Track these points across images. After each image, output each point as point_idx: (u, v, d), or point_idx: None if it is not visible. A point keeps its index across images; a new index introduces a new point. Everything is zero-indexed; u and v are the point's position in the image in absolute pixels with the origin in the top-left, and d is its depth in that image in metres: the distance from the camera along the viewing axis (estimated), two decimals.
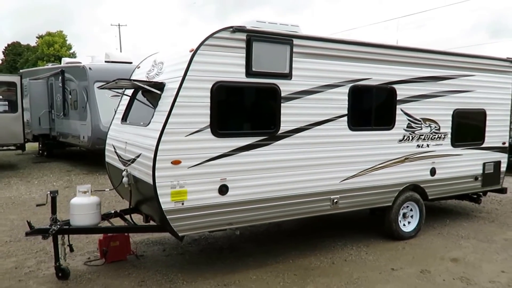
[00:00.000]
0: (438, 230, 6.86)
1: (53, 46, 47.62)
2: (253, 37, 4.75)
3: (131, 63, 12.93)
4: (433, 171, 6.55)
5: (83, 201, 5.06)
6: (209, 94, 4.56)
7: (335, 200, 5.58)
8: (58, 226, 4.85)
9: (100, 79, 11.02)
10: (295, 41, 5.06)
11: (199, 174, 4.60)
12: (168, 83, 4.73)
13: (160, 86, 4.81)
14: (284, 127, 5.08)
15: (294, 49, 5.06)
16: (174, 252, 5.92)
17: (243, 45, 4.72)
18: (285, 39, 4.99)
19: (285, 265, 5.41)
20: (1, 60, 54.54)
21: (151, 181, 4.40)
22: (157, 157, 4.36)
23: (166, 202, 4.44)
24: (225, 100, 4.76)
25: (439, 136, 6.58)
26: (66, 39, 50.58)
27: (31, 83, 15.39)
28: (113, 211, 5.66)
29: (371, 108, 5.90)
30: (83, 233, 5.41)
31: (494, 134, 7.34)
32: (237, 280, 4.94)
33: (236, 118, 4.98)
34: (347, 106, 5.56)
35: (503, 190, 7.69)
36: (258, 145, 4.94)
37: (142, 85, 4.84)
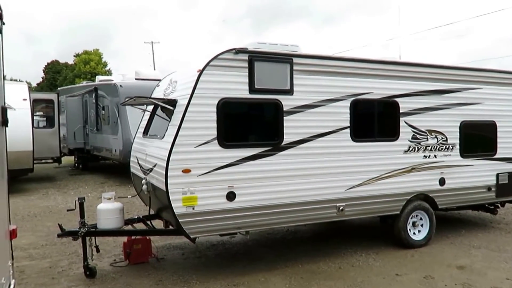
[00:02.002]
0: (451, 240, 6.81)
1: (89, 64, 49.14)
2: (255, 57, 5.12)
3: (159, 80, 13.59)
4: (442, 181, 6.56)
5: (108, 207, 5.54)
6: (215, 109, 4.94)
7: (341, 208, 5.74)
8: (86, 229, 5.32)
9: (130, 96, 11.71)
10: (295, 60, 5.39)
11: (208, 181, 4.94)
12: (180, 100, 5.16)
13: (173, 102, 5.25)
14: (287, 138, 5.36)
15: (295, 67, 5.38)
16: (192, 256, 6.25)
17: (246, 64, 5.09)
18: (285, 58, 5.33)
19: (294, 269, 5.60)
20: (42, 78, 57.33)
21: (164, 188, 4.80)
22: (169, 166, 4.76)
23: (178, 207, 4.81)
24: (231, 115, 5.12)
25: (447, 147, 6.61)
26: (102, 56, 52.36)
27: (67, 100, 16.37)
28: (136, 217, 6.10)
29: (374, 120, 6.07)
30: (108, 235, 5.84)
31: (507, 145, 7.24)
32: (246, 281, 5.19)
33: (241, 130, 5.33)
34: (349, 118, 5.78)
35: None
36: (263, 155, 5.24)
37: (157, 102, 5.31)
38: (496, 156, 7.15)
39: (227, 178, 5.04)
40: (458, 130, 6.72)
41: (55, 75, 54.39)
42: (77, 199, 5.51)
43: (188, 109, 4.84)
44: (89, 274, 5.40)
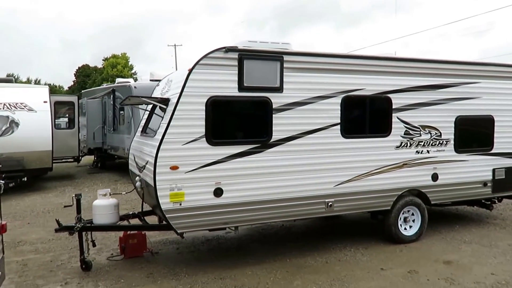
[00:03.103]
0: (443, 235, 6.73)
1: (116, 67, 50.27)
2: (244, 56, 5.13)
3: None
4: (435, 177, 6.49)
5: (103, 203, 5.64)
6: (204, 107, 4.98)
7: (329, 204, 5.73)
8: (82, 224, 5.45)
9: (144, 96, 11.85)
10: (285, 58, 5.38)
11: (196, 178, 5.00)
12: (172, 98, 5.21)
13: (167, 101, 5.31)
14: (276, 135, 5.37)
15: (285, 65, 5.37)
16: (186, 250, 6.32)
17: (235, 63, 5.11)
18: (275, 56, 5.33)
19: (282, 263, 5.62)
20: (73, 81, 58.62)
21: (153, 184, 4.88)
22: (157, 163, 4.83)
23: (165, 202, 4.88)
24: (219, 113, 5.15)
25: (441, 142, 6.52)
26: (128, 60, 53.38)
27: (88, 101, 16.73)
28: (131, 213, 6.21)
29: (365, 116, 6.02)
30: (103, 230, 5.95)
31: (505, 140, 7.09)
32: (233, 274, 5.23)
33: (230, 128, 5.36)
34: (339, 115, 5.74)
35: None
36: (251, 152, 5.26)
37: (150, 101, 5.39)
38: (492, 151, 7.01)
39: (214, 175, 5.08)
40: (453, 125, 6.61)
41: (85, 79, 55.81)
42: (74, 195, 5.64)
43: (177, 107, 4.89)
44: (85, 267, 5.52)
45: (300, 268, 5.41)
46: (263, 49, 5.32)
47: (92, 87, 42.50)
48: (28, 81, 60.08)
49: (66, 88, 57.44)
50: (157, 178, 4.82)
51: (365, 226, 7.30)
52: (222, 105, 5.14)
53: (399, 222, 6.32)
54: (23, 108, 12.14)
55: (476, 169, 6.83)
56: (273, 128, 5.35)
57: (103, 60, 54.92)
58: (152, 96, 6.50)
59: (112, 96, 15.36)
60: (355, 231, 7.06)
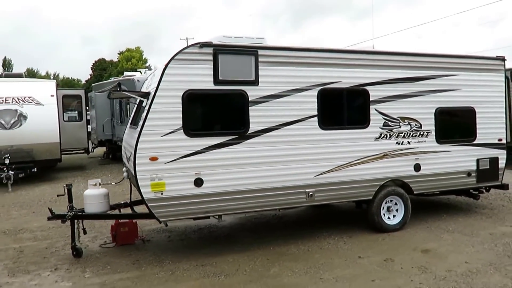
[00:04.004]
0: (428, 224, 6.67)
1: (131, 61, 50.77)
2: (219, 51, 5.17)
3: None
4: (417, 167, 6.43)
5: (93, 192, 5.76)
6: (180, 100, 5.04)
7: (310, 194, 5.73)
8: (73, 213, 5.58)
9: (125, 91, 11.94)
10: (260, 52, 5.39)
11: (175, 168, 5.07)
12: (152, 92, 5.28)
13: (147, 95, 5.38)
14: (253, 127, 5.40)
15: (260, 59, 5.39)
16: (177, 238, 6.42)
17: (210, 58, 5.15)
18: (249, 51, 5.34)
19: (265, 251, 5.66)
20: (90, 75, 59.42)
21: (134, 174, 4.96)
22: (137, 154, 4.92)
23: (147, 192, 4.97)
24: (196, 105, 5.22)
25: (421, 133, 6.45)
26: (142, 54, 53.80)
27: (96, 95, 16.96)
28: (123, 202, 6.32)
29: (343, 108, 6.01)
30: (93, 218, 6.08)
31: (488, 131, 6.99)
32: (215, 262, 5.30)
33: (207, 120, 5.42)
34: (316, 107, 5.73)
35: (504, 186, 7.25)
36: (229, 144, 5.30)
37: (131, 95, 5.46)
38: (476, 142, 6.91)
39: (194, 165, 5.14)
40: (433, 116, 6.53)
41: (102, 72, 56.43)
42: (65, 185, 5.77)
43: (154, 100, 4.96)
44: (76, 254, 5.66)
45: (281, 256, 5.45)
46: (237, 44, 5.34)
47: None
48: (47, 75, 61.18)
49: (83, 81, 58.19)
50: (137, 168, 4.91)
51: (354, 215, 7.28)
52: (199, 98, 5.20)
53: (382, 212, 6.29)
54: (31, 102, 12.40)
55: (459, 159, 6.75)
56: (250, 120, 5.37)
57: (118, 54, 55.46)
58: (142, 90, 6.57)
59: (118, 89, 15.51)
60: (343, 220, 7.06)
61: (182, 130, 5.06)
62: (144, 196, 4.95)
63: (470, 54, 6.96)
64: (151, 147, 4.96)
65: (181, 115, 5.05)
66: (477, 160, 6.89)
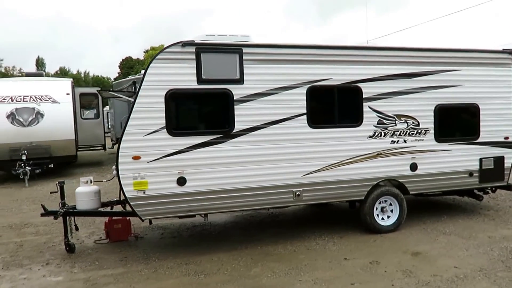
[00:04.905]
0: (425, 225, 6.44)
1: None
2: (201, 49, 5.14)
3: None
4: (413, 166, 6.21)
5: (85, 190, 5.87)
6: (163, 100, 5.05)
7: (297, 193, 5.64)
8: (65, 209, 5.71)
9: (112, 90, 12.00)
10: (245, 50, 5.32)
11: (158, 167, 5.10)
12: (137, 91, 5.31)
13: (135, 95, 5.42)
14: (239, 126, 5.35)
15: (244, 57, 5.32)
16: (169, 236, 6.48)
17: (193, 56, 5.13)
18: (233, 49, 5.28)
19: (251, 250, 5.63)
20: (118, 73, 60.81)
21: (117, 173, 5.03)
22: (120, 153, 4.98)
23: (129, 190, 5.03)
24: (179, 105, 5.21)
25: (419, 131, 6.22)
26: None
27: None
28: (115, 199, 6.41)
29: (334, 106, 5.84)
30: (84, 215, 6.17)
31: (493, 129, 6.66)
32: (199, 260, 5.31)
33: (191, 119, 5.42)
34: (305, 105, 5.62)
35: (510, 187, 6.90)
36: (214, 143, 5.28)
37: (117, 95, 5.51)
38: (479, 140, 6.60)
39: (177, 164, 5.16)
40: (432, 114, 6.28)
41: (129, 70, 57.74)
42: (57, 183, 5.92)
43: (137, 100, 5.00)
44: (69, 249, 5.80)
45: (266, 256, 5.40)
46: (220, 42, 5.28)
47: None
48: (78, 73, 63.05)
49: (112, 79, 59.64)
50: (120, 167, 4.97)
51: (351, 215, 7.11)
52: (182, 97, 5.20)
53: (375, 212, 6.12)
54: (48, 100, 12.80)
55: (460, 158, 6.47)
56: (236, 119, 5.33)
57: (144, 52, 56.45)
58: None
59: (133, 87, 15.79)
60: (339, 220, 6.93)
61: (165, 130, 5.08)
62: (126, 195, 5.01)
63: (473, 48, 6.61)
64: (134, 146, 5.00)
65: (164, 115, 5.06)
66: (480, 160, 6.58)
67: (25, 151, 12.18)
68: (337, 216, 7.31)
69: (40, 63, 60.20)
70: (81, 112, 15.78)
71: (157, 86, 5.03)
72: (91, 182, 5.95)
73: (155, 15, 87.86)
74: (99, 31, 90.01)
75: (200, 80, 5.16)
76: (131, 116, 4.98)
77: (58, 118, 12.90)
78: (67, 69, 63.94)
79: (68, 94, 13.36)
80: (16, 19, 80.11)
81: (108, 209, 6.15)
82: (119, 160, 4.97)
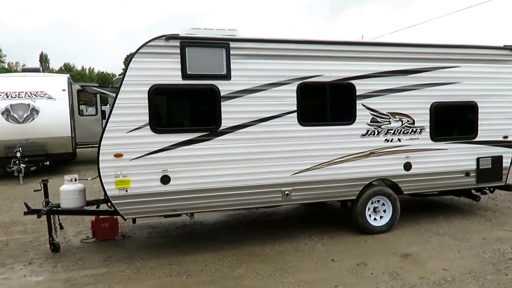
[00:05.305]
0: (419, 226, 6.29)
1: None
2: (186, 43, 5.01)
3: None
4: (408, 166, 6.06)
5: (69, 188, 5.78)
6: (146, 96, 4.93)
7: (286, 193, 5.52)
8: (48, 208, 5.63)
9: (95, 86, 11.76)
10: (232, 44, 5.19)
11: (141, 165, 4.99)
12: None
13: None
14: (225, 123, 5.23)
15: (232, 52, 5.19)
16: (157, 235, 6.38)
17: (178, 51, 5.00)
18: (220, 43, 5.15)
19: (238, 250, 5.52)
20: (122, 69, 60.94)
21: (98, 171, 4.93)
22: (100, 151, 4.87)
23: (111, 189, 4.93)
24: (163, 101, 5.10)
25: (414, 130, 6.06)
26: None
27: (112, 89, 17.31)
28: (102, 198, 6.32)
29: (326, 104, 5.70)
30: (68, 214, 6.09)
31: (491, 128, 6.49)
32: (183, 261, 5.21)
33: (175, 116, 5.30)
34: (295, 102, 5.48)
35: (508, 187, 6.73)
36: (199, 140, 5.16)
37: (101, 91, 5.41)
38: (476, 139, 6.44)
39: (160, 162, 5.04)
40: (428, 112, 6.12)
41: None
42: (40, 181, 5.84)
43: (118, 96, 4.88)
44: (53, 249, 5.72)
45: (252, 256, 5.29)
46: (206, 36, 5.15)
47: None
48: (83, 70, 63.19)
49: (117, 75, 59.84)
50: (101, 165, 4.87)
51: (344, 215, 6.98)
52: (166, 93, 5.08)
53: (368, 212, 5.99)
54: (43, 96, 12.70)
55: (457, 158, 6.31)
56: (222, 116, 5.20)
57: None
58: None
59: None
60: (332, 220, 6.78)
61: (148, 126, 4.96)
62: (108, 193, 4.91)
63: (473, 44, 6.43)
64: (116, 143, 4.90)
65: (147, 111, 4.95)
66: (477, 159, 6.42)
67: (20, 148, 12.11)
68: (331, 216, 7.18)
69: (44, 59, 60.37)
70: (79, 109, 15.74)
71: (139, 81, 4.91)
72: (75, 180, 5.86)
73: (164, 12, 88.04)
74: (104, 26, 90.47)
75: (185, 76, 5.04)
76: (113, 112, 4.87)
77: (53, 115, 12.80)
78: (72, 65, 64.13)
79: (64, 90, 13.27)
80: (23, 16, 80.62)
81: (94, 208, 6.08)
82: (100, 158, 4.87)
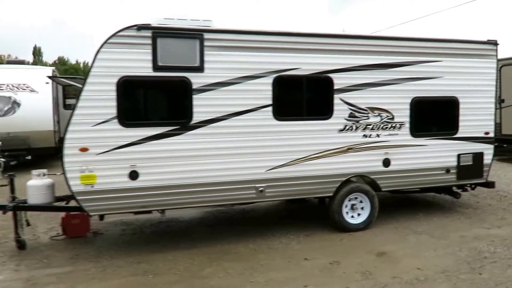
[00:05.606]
0: (398, 224, 6.19)
1: None
2: (158, 34, 4.83)
3: None
4: (386, 162, 5.94)
5: (36, 183, 5.58)
6: (115, 88, 4.74)
7: (260, 189, 5.38)
8: (14, 204, 5.43)
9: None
10: (206, 35, 5.01)
11: (108, 160, 4.81)
12: None
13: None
14: (197, 117, 5.06)
15: (205, 43, 5.01)
16: (130, 232, 6.20)
17: (149, 41, 4.81)
18: (193, 34, 4.97)
19: (210, 248, 5.36)
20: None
21: (62, 165, 4.74)
22: (65, 145, 4.69)
23: (75, 184, 4.75)
24: (133, 93, 4.93)
25: (393, 125, 5.94)
26: None
27: None
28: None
29: (302, 98, 5.56)
30: (35, 210, 5.90)
31: (473, 124, 6.39)
32: (153, 259, 5.04)
33: (145, 109, 5.12)
34: (271, 96, 5.33)
35: (489, 184, 6.64)
36: (170, 135, 4.99)
37: (69, 83, 5.21)
38: (457, 135, 6.33)
39: (129, 157, 4.87)
40: (408, 107, 6.00)
41: None
42: (7, 175, 5.63)
43: (85, 88, 4.69)
44: (19, 246, 5.52)
45: (224, 255, 5.14)
46: (179, 26, 4.97)
47: None
48: (77, 63, 62.43)
49: None
50: (65, 159, 4.69)
51: (324, 212, 6.86)
52: (136, 85, 4.90)
53: (345, 210, 5.87)
54: (25, 89, 12.40)
55: (437, 154, 6.21)
56: (194, 110, 5.03)
57: None
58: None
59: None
60: (311, 217, 6.63)
61: (116, 120, 4.78)
62: (72, 189, 4.73)
63: (455, 38, 6.31)
64: (81, 137, 4.71)
65: (115, 104, 4.76)
66: (458, 156, 6.32)
67: (0, 142, 11.84)
68: (311, 212, 7.04)
69: (37, 52, 59.53)
70: (65, 102, 15.42)
71: (108, 73, 4.72)
72: (44, 175, 5.67)
73: (160, 8, 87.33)
74: (100, 21, 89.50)
75: (156, 67, 4.85)
76: (78, 104, 4.68)
77: (36, 108, 12.49)
78: (66, 59, 63.31)
79: (47, 83, 12.99)
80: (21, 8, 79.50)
81: (63, 204, 5.89)
82: (65, 152, 4.68)
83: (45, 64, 52.87)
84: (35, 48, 59.35)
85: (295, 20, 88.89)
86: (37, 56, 58.06)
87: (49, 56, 61.30)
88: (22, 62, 15.31)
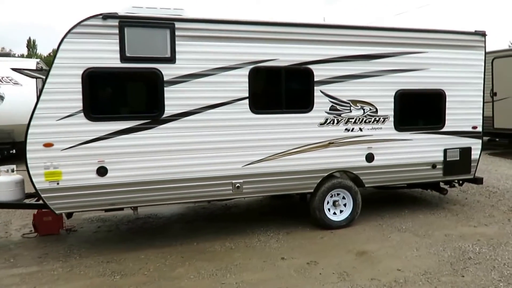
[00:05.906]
0: (382, 221, 5.99)
1: None
2: (126, 23, 4.59)
3: None
4: (370, 157, 5.73)
5: (4, 180, 5.34)
6: (80, 80, 4.51)
7: (237, 185, 5.17)
8: None
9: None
10: (178, 25, 4.77)
11: (74, 156, 4.59)
12: None
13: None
14: (169, 110, 4.83)
15: (177, 33, 4.77)
16: (105, 230, 5.99)
17: (116, 31, 4.57)
18: (164, 23, 4.73)
19: (185, 247, 5.17)
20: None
21: (25, 162, 4.51)
22: (28, 140, 4.46)
23: (39, 181, 4.53)
24: (99, 85, 4.68)
25: (377, 119, 5.72)
26: None
27: None
28: None
29: (281, 90, 5.32)
30: (3, 207, 5.66)
31: (460, 117, 6.18)
32: (123, 258, 4.85)
33: (113, 102, 4.87)
34: (247, 88, 5.10)
35: (477, 180, 6.45)
36: (139, 129, 4.77)
37: (34, 75, 4.97)
38: (444, 130, 6.12)
39: (96, 153, 4.65)
40: (392, 100, 5.78)
41: None
42: None
43: (48, 80, 4.45)
44: None
45: (198, 254, 4.94)
46: (149, 15, 4.72)
47: None
48: None
49: None
50: (28, 156, 4.47)
51: (307, 208, 6.68)
52: (102, 77, 4.66)
53: (327, 206, 5.67)
54: (9, 82, 12.13)
55: (423, 149, 6.01)
56: (165, 103, 4.80)
57: None
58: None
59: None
60: (294, 214, 6.44)
61: (82, 113, 4.55)
62: (36, 186, 4.51)
63: (442, 29, 6.07)
64: (45, 132, 4.48)
65: (81, 97, 4.53)
66: (445, 150, 6.12)
67: None
68: (295, 209, 6.85)
69: (32, 45, 58.82)
70: None
71: (72, 64, 4.48)
72: (12, 171, 5.44)
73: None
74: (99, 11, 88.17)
75: (124, 58, 4.61)
76: (41, 98, 4.44)
77: (20, 101, 12.17)
78: None
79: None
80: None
81: (34, 201, 5.65)
82: (28, 148, 4.45)
83: (40, 57, 52.28)
84: (29, 40, 58.65)
85: (290, 10, 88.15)
86: (31, 48, 57.35)
87: (44, 49, 60.56)
88: (8, 55, 15.01)
